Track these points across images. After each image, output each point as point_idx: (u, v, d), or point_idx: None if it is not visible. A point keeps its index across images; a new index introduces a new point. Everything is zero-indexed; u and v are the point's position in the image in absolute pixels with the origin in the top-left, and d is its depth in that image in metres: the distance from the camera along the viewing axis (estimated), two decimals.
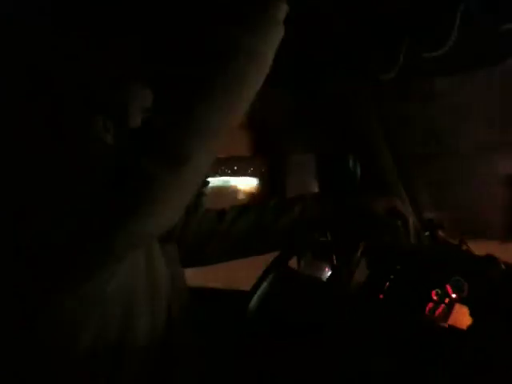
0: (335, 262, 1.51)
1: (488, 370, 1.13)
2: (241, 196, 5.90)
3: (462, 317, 1.30)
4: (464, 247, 1.46)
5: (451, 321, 1.30)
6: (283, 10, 0.91)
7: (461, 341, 1.25)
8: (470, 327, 1.26)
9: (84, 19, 0.87)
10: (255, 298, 1.47)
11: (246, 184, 5.92)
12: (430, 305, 1.35)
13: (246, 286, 1.56)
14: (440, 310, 1.33)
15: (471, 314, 1.29)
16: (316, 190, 1.81)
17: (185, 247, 1.39)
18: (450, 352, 1.22)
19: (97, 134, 0.96)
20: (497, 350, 1.16)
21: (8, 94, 0.91)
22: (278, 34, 0.91)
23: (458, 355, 1.19)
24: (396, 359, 1.25)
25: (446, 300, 1.33)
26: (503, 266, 1.35)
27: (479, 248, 1.47)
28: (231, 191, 5.82)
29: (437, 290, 1.35)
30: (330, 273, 1.51)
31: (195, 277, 1.54)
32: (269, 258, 1.57)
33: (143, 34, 0.90)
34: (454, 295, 1.33)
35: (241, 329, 1.42)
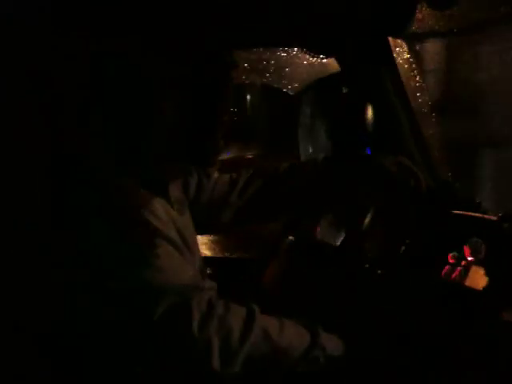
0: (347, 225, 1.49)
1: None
2: None
3: (478, 278, 1.29)
4: (480, 207, 1.44)
5: (468, 283, 1.30)
6: None
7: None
8: (486, 287, 1.26)
9: (84, 19, 0.84)
10: None
11: None
12: (447, 268, 1.34)
13: None
14: (456, 272, 1.32)
15: (488, 274, 1.28)
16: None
17: (199, 212, 1.39)
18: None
19: None
20: None
21: (8, 93, 0.90)
22: None
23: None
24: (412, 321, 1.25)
25: (463, 262, 1.32)
26: None
27: None
28: None
29: (454, 252, 1.34)
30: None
31: None
32: None
33: (143, 34, 0.87)
34: (471, 257, 1.31)
35: None
